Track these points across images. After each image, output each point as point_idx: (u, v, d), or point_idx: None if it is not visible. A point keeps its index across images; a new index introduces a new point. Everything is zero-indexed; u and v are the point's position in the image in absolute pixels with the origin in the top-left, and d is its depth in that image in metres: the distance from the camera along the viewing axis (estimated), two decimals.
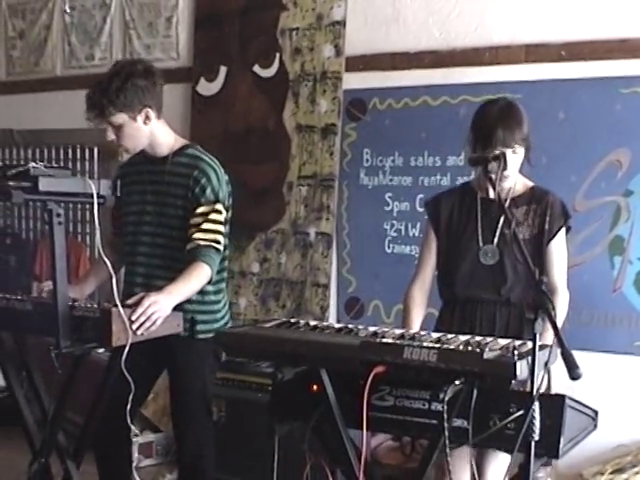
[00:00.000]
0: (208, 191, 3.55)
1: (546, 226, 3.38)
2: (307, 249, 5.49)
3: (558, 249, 3.42)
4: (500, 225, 3.37)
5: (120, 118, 3.49)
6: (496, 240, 3.38)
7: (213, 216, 3.54)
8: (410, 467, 4.53)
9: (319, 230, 5.45)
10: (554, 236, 3.40)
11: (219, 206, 3.57)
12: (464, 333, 3.01)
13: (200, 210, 3.54)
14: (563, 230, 3.43)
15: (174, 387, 3.77)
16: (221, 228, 3.57)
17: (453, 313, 3.47)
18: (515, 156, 3.30)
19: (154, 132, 3.61)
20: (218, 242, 3.54)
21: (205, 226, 3.52)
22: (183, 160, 3.64)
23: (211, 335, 3.67)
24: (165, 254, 3.67)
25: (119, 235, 3.83)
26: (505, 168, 3.20)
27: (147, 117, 3.55)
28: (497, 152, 3.19)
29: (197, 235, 3.51)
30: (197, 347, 3.67)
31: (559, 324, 3.06)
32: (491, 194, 3.34)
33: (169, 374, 3.79)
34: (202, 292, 3.61)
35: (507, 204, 3.34)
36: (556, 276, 3.42)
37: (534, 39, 4.75)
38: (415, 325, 3.45)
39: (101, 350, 3.64)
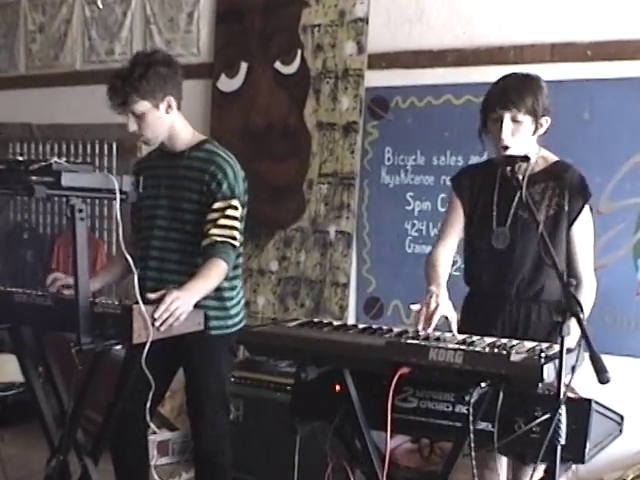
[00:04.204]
0: (224, 186, 3.56)
1: (565, 207, 3.27)
2: (327, 248, 5.48)
3: (582, 233, 3.31)
4: (514, 206, 3.30)
5: (143, 106, 3.51)
6: (508, 223, 3.32)
7: (229, 212, 3.55)
8: (428, 470, 4.53)
9: (339, 229, 5.44)
10: (576, 218, 3.28)
11: (235, 202, 3.58)
12: (485, 333, 3.00)
13: (216, 205, 3.55)
14: (586, 208, 3.30)
15: (190, 384, 3.78)
16: (237, 224, 3.58)
17: (473, 308, 3.44)
18: (517, 124, 3.21)
19: (174, 124, 3.63)
20: (234, 238, 3.55)
21: (221, 222, 3.53)
22: (200, 155, 3.65)
23: (225, 331, 3.69)
24: (178, 248, 3.68)
25: (136, 231, 3.85)
26: (500, 131, 3.19)
27: (169, 106, 3.57)
28: (498, 114, 3.19)
29: (213, 231, 3.52)
30: (211, 343, 3.66)
31: (585, 315, 3.03)
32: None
33: (185, 371, 3.80)
34: (217, 288, 3.61)
35: (525, 183, 3.20)
36: (581, 265, 3.31)
37: (560, 38, 4.74)
38: (442, 280, 3.25)
39: (119, 347, 3.64)
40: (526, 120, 3.22)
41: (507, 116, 3.20)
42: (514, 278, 3.31)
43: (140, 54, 3.69)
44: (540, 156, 3.37)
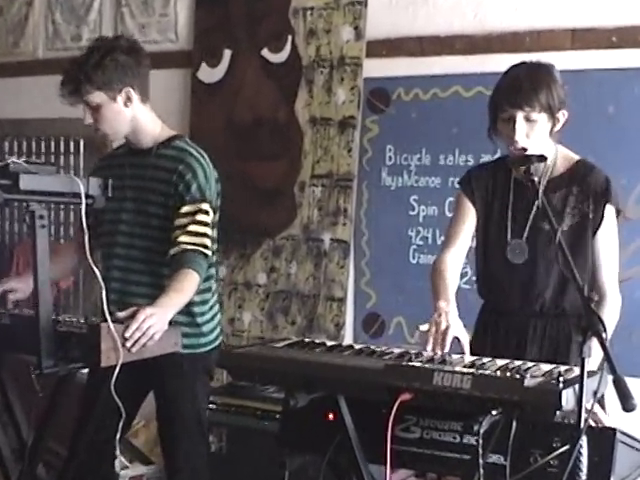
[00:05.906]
0: (194, 188, 3.57)
1: (590, 215, 3.28)
2: (321, 258, 5.49)
3: (606, 242, 3.32)
4: (532, 216, 3.31)
5: (98, 97, 3.54)
6: (526, 234, 3.32)
7: (199, 217, 3.56)
8: None
9: (334, 237, 5.44)
10: (599, 225, 3.30)
11: (206, 206, 3.59)
12: (498, 354, 3.00)
13: (185, 210, 3.56)
14: (609, 213, 3.31)
15: (161, 411, 3.79)
16: (208, 231, 3.59)
17: (490, 326, 3.45)
18: (531, 124, 3.20)
19: (137, 117, 3.64)
20: (206, 246, 3.56)
21: (191, 228, 3.53)
22: (169, 153, 3.66)
23: (197, 350, 3.70)
24: (144, 257, 3.69)
25: (94, 237, 3.83)
26: (513, 133, 3.19)
27: (128, 98, 3.59)
28: (510, 114, 3.19)
29: (183, 238, 3.52)
30: (183, 364, 3.66)
31: (609, 335, 3.04)
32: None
33: (155, 397, 3.80)
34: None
35: (542, 188, 3.26)
36: (604, 276, 3.33)
37: (581, 23, 4.75)
38: (451, 292, 3.23)
39: (85, 371, 3.64)
40: (541, 118, 3.22)
41: (520, 116, 3.20)
42: (537, 295, 3.32)
43: (101, 39, 3.76)
44: (560, 156, 3.38)
